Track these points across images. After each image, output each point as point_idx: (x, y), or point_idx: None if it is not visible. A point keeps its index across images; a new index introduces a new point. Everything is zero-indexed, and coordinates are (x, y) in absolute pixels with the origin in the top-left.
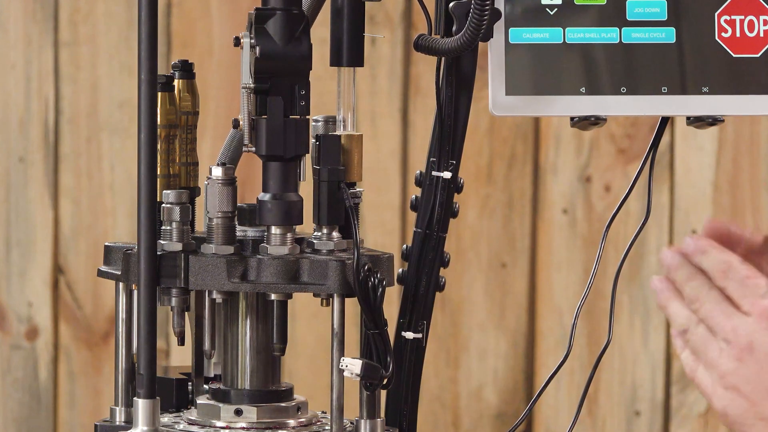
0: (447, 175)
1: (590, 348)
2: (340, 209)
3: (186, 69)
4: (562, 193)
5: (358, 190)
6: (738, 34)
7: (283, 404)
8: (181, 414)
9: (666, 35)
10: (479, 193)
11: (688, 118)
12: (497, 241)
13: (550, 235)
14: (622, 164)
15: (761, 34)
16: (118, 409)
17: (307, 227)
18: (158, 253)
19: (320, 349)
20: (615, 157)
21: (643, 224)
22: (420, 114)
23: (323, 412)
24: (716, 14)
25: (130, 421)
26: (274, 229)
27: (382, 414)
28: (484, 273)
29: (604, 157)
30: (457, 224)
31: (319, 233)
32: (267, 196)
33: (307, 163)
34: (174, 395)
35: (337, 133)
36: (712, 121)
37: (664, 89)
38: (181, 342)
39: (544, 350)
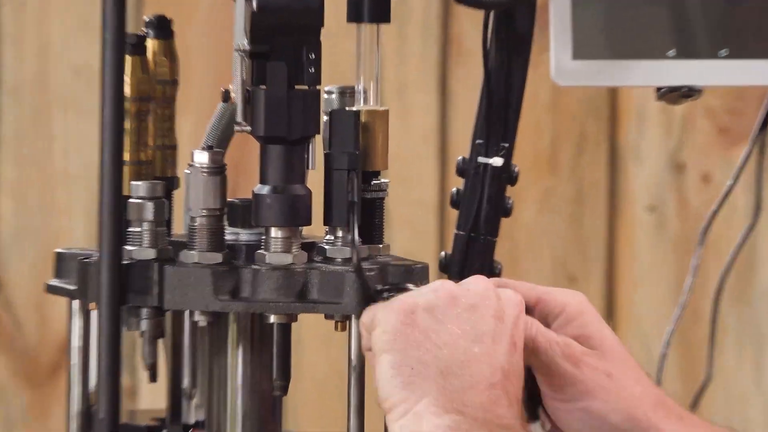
0: (497, 161)
1: (685, 385)
2: (342, 205)
3: (162, 27)
4: (646, 185)
5: (382, 181)
6: None
7: None
8: None
9: None
10: (539, 185)
11: None
12: (563, 247)
13: (632, 239)
14: (724, 148)
15: None
16: None
17: (317, 229)
18: (124, 262)
19: (333, 385)
20: (715, 139)
21: (753, 225)
22: (462, 84)
23: None
24: None
25: None
26: (275, 232)
27: None
28: None
29: (700, 139)
30: (511, 225)
31: (333, 237)
32: (265, 189)
33: (318, 147)
34: None
35: (356, 108)
36: None
37: None
38: (153, 378)
39: None
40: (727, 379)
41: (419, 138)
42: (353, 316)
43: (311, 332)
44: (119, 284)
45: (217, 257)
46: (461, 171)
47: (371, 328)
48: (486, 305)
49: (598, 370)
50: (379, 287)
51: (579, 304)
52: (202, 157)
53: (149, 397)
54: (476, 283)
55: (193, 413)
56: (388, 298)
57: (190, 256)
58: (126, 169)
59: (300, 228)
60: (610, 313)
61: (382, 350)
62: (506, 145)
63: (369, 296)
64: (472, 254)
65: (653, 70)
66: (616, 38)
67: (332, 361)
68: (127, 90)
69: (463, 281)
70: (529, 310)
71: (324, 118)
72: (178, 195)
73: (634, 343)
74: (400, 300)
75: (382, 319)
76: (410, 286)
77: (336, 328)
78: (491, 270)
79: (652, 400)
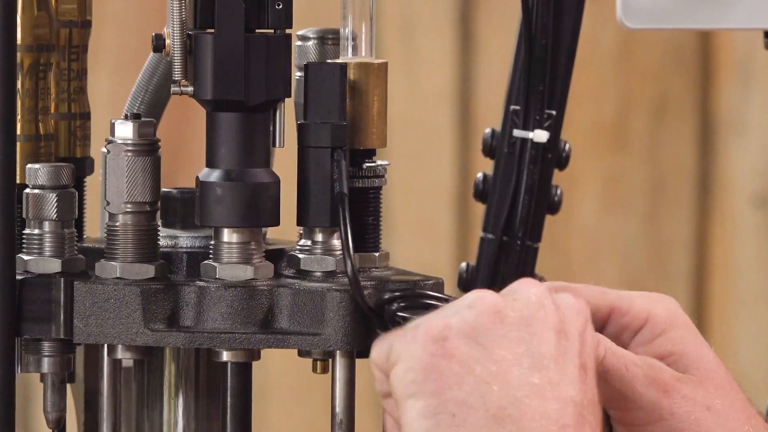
0: (541, 136)
1: None
2: (321, 197)
3: None
4: (752, 170)
5: (379, 164)
6: None
7: None
8: None
9: None
10: (602, 169)
11: None
12: (635, 256)
13: (731, 244)
14: None
15: None
16: None
17: (287, 231)
18: (19, 277)
19: None
20: None
21: None
22: (489, 27)
23: None
24: None
25: None
26: (229, 235)
27: None
28: None
29: None
30: (561, 226)
31: (309, 242)
32: (215, 175)
33: (288, 116)
34: None
35: (341, 60)
36: None
37: None
38: None
39: None
40: None
41: (431, 102)
42: (338, 352)
43: (280, 376)
44: (12, 308)
45: (148, 270)
46: (490, 149)
47: (388, 366)
48: (542, 318)
49: (696, 401)
50: (388, 296)
51: (669, 312)
52: (125, 130)
53: None
54: (525, 288)
55: None
56: (403, 322)
57: (110, 268)
58: (19, 147)
59: (264, 230)
60: None
61: (407, 395)
62: (553, 113)
63: (373, 319)
64: (504, 266)
65: (762, 7)
66: None
67: (309, 417)
68: (20, 35)
69: (507, 289)
70: (599, 323)
71: (297, 74)
72: (92, 183)
73: (733, 374)
74: (426, 324)
75: (403, 351)
76: (433, 295)
77: (314, 369)
78: None
79: None
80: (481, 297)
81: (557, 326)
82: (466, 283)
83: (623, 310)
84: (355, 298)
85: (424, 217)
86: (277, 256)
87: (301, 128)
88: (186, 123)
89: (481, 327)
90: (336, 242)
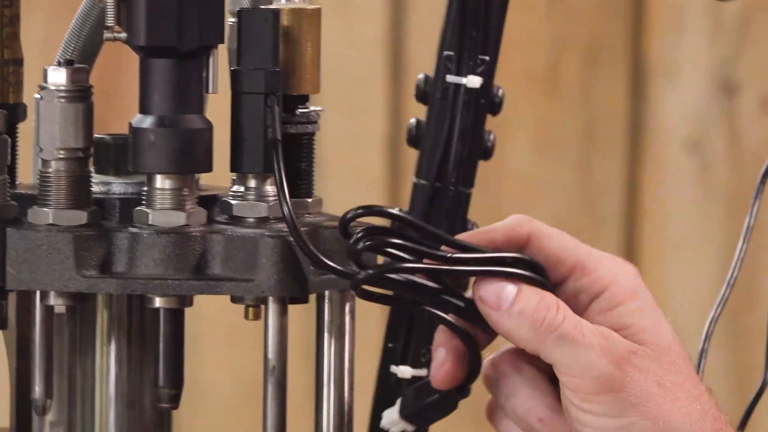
0: (474, 82)
1: (734, 392)
2: (255, 144)
3: None
4: (684, 114)
5: (312, 110)
6: None
7: None
8: None
9: None
10: (533, 115)
11: None
12: (567, 202)
13: (663, 190)
14: None
15: None
16: None
17: (220, 177)
18: None
19: (243, 396)
20: None
21: None
22: None
23: None
24: None
25: None
26: (162, 181)
27: None
28: None
29: (763, 48)
30: (494, 172)
31: (242, 188)
32: (148, 121)
33: (222, 62)
34: None
35: (275, 5)
36: None
37: None
38: None
39: None
40: None
41: (365, 47)
42: (271, 298)
43: (212, 323)
44: None
45: (81, 217)
46: (423, 95)
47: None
48: None
49: (648, 375)
50: (359, 232)
51: (631, 282)
52: (58, 76)
53: None
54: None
55: None
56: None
57: (43, 215)
58: None
59: (197, 176)
60: None
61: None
62: (486, 58)
63: (312, 264)
64: (437, 212)
65: None
66: None
67: (242, 364)
68: None
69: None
70: (560, 277)
71: (230, 20)
72: (24, 129)
73: None
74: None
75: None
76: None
77: (247, 315)
78: None
79: (710, 429)
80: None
81: None
82: (398, 229)
83: (588, 269)
84: (297, 243)
85: (357, 163)
86: (210, 203)
87: (234, 74)
88: (119, 69)
89: None
90: (269, 188)
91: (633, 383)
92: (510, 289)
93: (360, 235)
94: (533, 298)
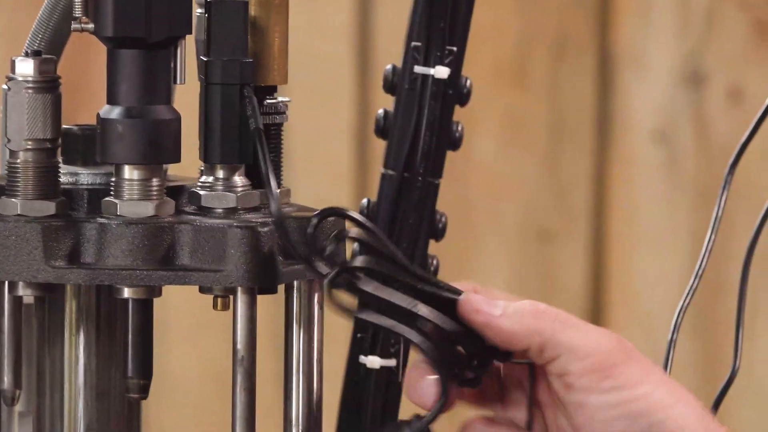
0: (442, 72)
1: (704, 381)
2: (246, 135)
3: None
4: (651, 106)
5: (279, 100)
6: None
7: None
8: None
9: None
10: (501, 106)
11: None
12: (534, 193)
13: (630, 181)
14: (762, 51)
15: None
16: None
17: (188, 168)
18: None
19: (212, 386)
20: (750, 39)
21: None
22: None
23: None
24: None
25: None
26: (130, 172)
27: None
28: (510, 250)
29: (729, 39)
30: (461, 163)
31: (210, 178)
32: (116, 112)
33: (189, 53)
34: None
35: None
36: None
37: None
38: None
39: None
40: (759, 372)
41: (333, 38)
42: (240, 289)
43: (180, 313)
44: None
45: (49, 207)
46: (390, 85)
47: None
48: None
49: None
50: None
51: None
52: (25, 67)
53: None
54: None
55: (16, 424)
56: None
57: (11, 205)
58: None
59: (165, 167)
60: (597, 285)
61: None
62: (454, 49)
63: (298, 260)
64: (405, 202)
65: None
66: None
67: (210, 354)
68: None
69: None
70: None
71: (198, 11)
72: None
73: (631, 326)
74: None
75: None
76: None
77: (215, 306)
78: (432, 225)
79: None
80: None
81: None
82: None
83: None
84: (282, 239)
85: (325, 154)
86: (178, 193)
87: (207, 65)
88: (87, 60)
89: None
90: (237, 179)
91: (635, 354)
92: (497, 299)
93: (333, 275)
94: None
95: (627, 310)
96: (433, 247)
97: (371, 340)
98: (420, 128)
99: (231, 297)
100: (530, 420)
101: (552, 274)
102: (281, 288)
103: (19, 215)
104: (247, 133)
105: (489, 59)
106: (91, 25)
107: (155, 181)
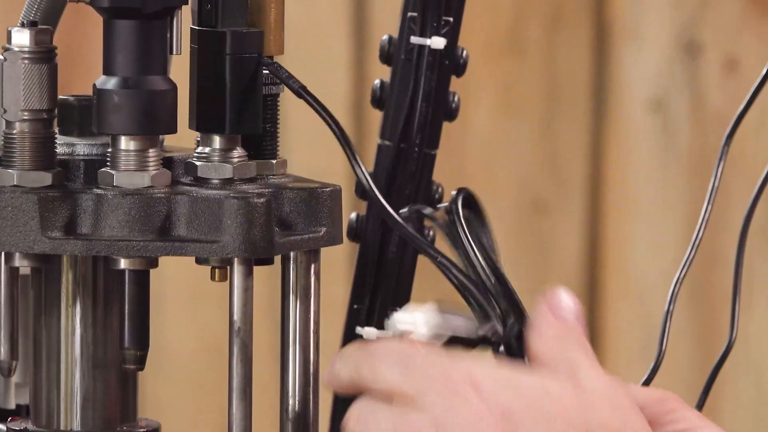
0: (438, 43)
1: (700, 353)
2: (248, 105)
3: None
4: (647, 76)
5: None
6: None
7: None
8: None
9: None
10: (496, 77)
11: None
12: (532, 161)
13: (626, 151)
14: (758, 21)
15: None
16: None
17: (185, 139)
18: None
19: (208, 357)
20: (746, 9)
21: None
22: None
23: None
24: None
25: None
26: (126, 143)
27: None
28: (507, 221)
29: (725, 9)
30: (458, 133)
31: (207, 149)
32: (112, 83)
33: (185, 24)
34: None
35: None
36: None
37: None
38: None
39: (614, 354)
40: (756, 343)
41: (327, 9)
42: (236, 259)
43: (177, 284)
44: None
45: (45, 178)
46: (387, 56)
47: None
48: None
49: None
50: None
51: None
52: (21, 38)
53: None
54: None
55: (12, 395)
56: None
57: (6, 176)
58: None
59: (161, 138)
60: (593, 257)
61: None
62: (450, 19)
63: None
64: (401, 173)
65: None
66: None
67: (206, 325)
68: None
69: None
70: None
71: None
72: None
73: (627, 298)
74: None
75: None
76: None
77: (213, 277)
78: (428, 195)
79: None
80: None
81: None
82: (362, 191)
83: None
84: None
85: (321, 125)
86: (174, 164)
87: (197, 35)
88: (83, 31)
89: None
90: (235, 151)
91: None
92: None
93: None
94: None
95: (622, 281)
96: None
97: (367, 312)
98: (416, 99)
99: (228, 268)
100: None
101: (547, 244)
102: (277, 260)
103: (15, 186)
104: (247, 104)
105: (485, 30)
106: None
107: (151, 152)
